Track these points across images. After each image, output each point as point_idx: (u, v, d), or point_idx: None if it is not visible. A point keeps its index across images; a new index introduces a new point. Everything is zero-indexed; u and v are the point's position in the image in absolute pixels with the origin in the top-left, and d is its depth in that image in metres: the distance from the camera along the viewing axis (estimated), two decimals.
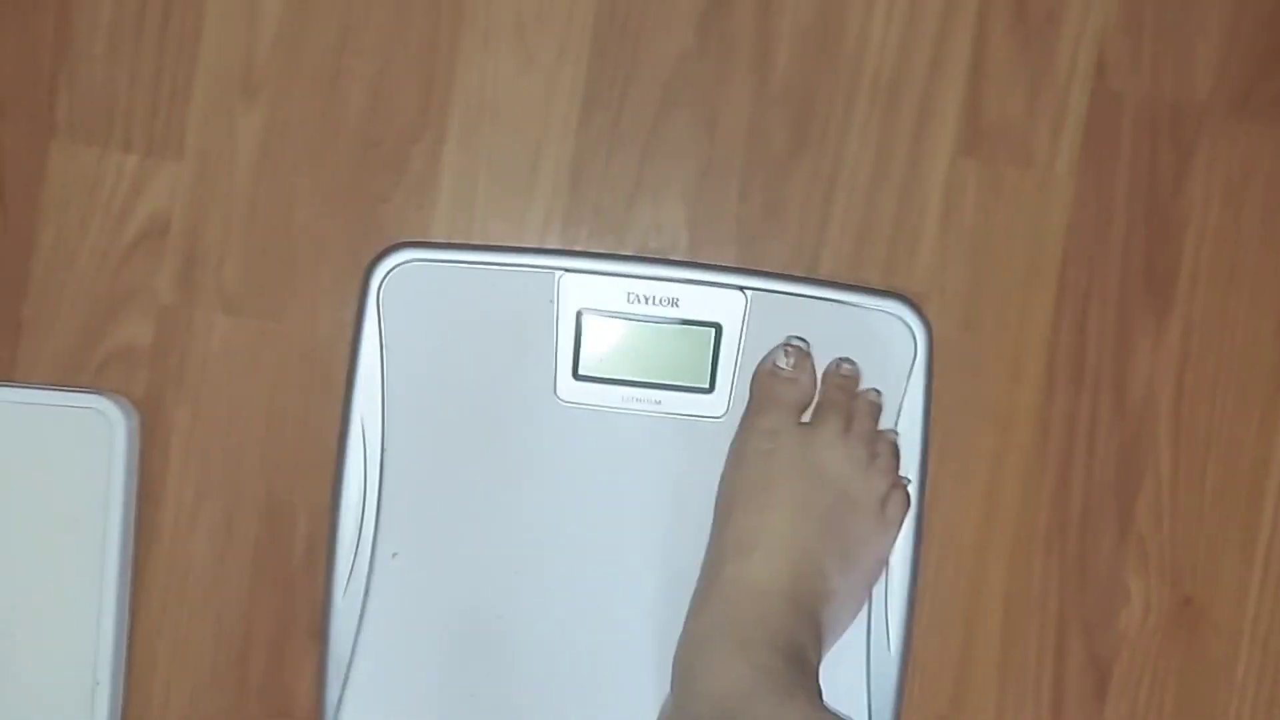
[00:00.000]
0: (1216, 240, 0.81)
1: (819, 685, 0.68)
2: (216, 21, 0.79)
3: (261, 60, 0.79)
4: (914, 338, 0.77)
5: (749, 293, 0.76)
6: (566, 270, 0.76)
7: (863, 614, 0.76)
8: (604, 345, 0.76)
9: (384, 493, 0.76)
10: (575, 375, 0.76)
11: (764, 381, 0.75)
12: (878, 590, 0.76)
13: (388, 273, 0.76)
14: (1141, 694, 0.81)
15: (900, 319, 0.77)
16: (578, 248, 0.80)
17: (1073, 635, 0.81)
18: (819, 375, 0.76)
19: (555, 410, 0.76)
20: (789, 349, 0.75)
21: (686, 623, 0.72)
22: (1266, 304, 0.81)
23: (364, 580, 0.76)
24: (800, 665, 0.67)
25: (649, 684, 0.74)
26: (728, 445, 0.76)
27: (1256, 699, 0.81)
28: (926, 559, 0.79)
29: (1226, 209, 0.81)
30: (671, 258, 0.80)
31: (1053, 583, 0.81)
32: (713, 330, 0.76)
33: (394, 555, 0.76)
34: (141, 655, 0.79)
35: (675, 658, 0.72)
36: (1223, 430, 0.81)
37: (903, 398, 0.77)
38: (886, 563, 0.75)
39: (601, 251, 0.80)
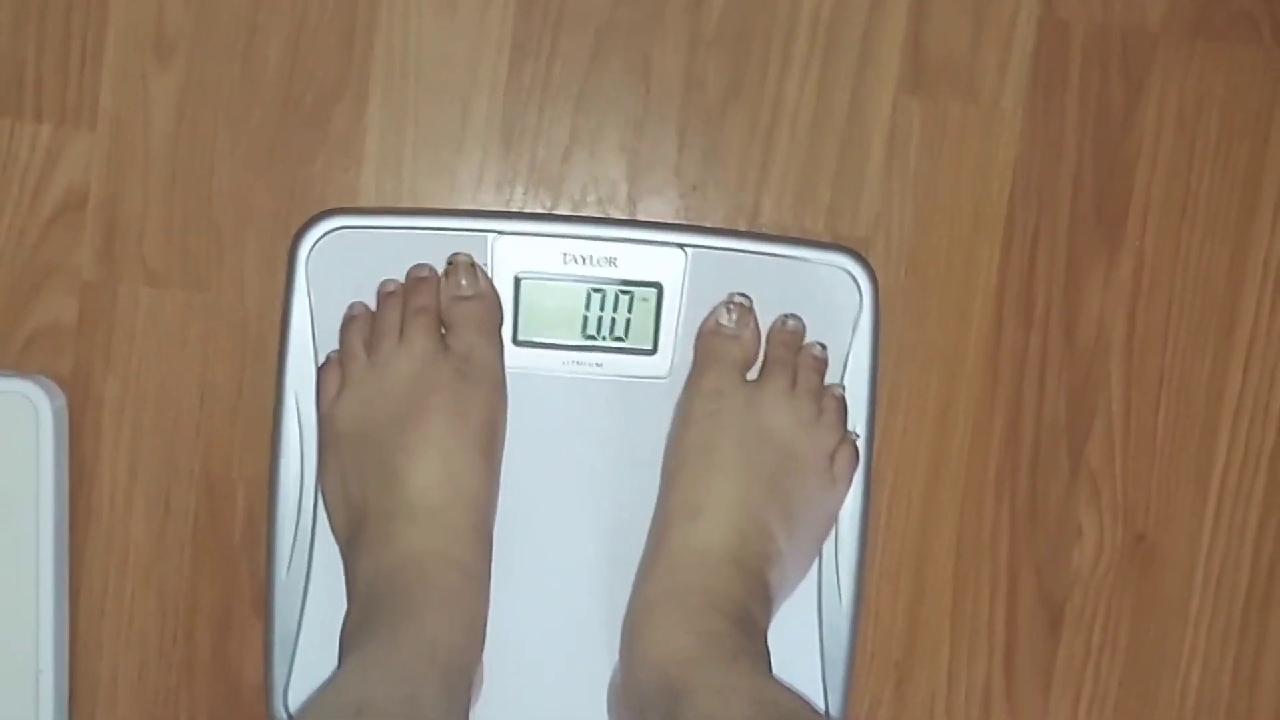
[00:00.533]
0: (1169, 172, 0.80)
1: (767, 648, 0.68)
2: None
3: (174, 19, 0.76)
4: (859, 289, 0.75)
5: (689, 250, 0.74)
6: (500, 233, 0.74)
7: (813, 568, 0.75)
8: (542, 309, 0.74)
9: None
10: (515, 341, 0.74)
11: (707, 340, 0.74)
12: (828, 544, 0.75)
13: (315, 241, 0.73)
14: (1095, 632, 0.81)
15: (845, 270, 0.75)
16: (513, 206, 0.78)
17: (1025, 576, 0.81)
18: (763, 331, 0.74)
19: None
20: (731, 306, 0.73)
21: (634, 588, 0.71)
22: (1220, 235, 0.80)
23: (306, 554, 0.74)
24: (746, 629, 0.67)
25: (600, 650, 0.74)
26: (672, 406, 0.74)
27: (1210, 634, 0.82)
28: (876, 508, 0.78)
29: (1179, 139, 0.79)
30: (609, 215, 0.78)
31: (1004, 525, 0.81)
32: (654, 290, 0.74)
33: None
34: (86, 638, 0.78)
35: (623, 624, 0.71)
36: (1176, 366, 0.80)
37: (849, 350, 0.75)
38: (835, 519, 0.75)
39: (536, 211, 0.77)
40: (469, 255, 0.73)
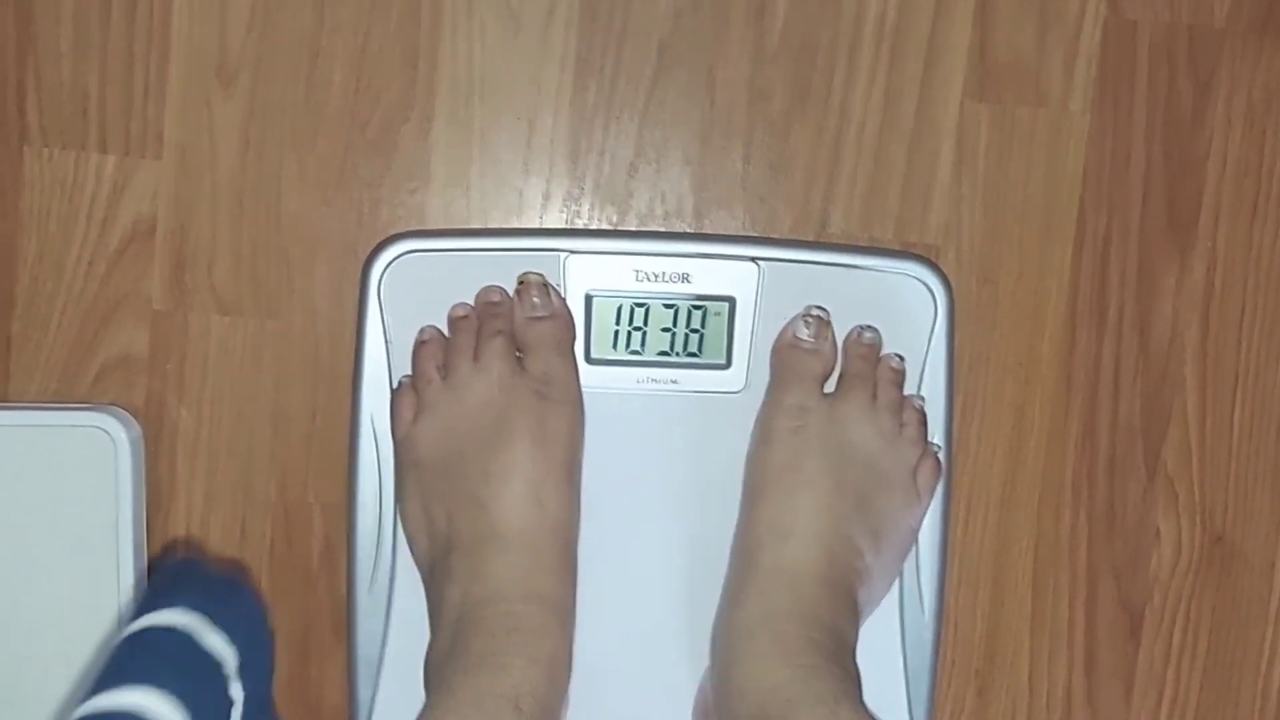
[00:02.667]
0: (1239, 170, 0.79)
1: (857, 669, 0.67)
2: (186, 6, 0.75)
3: (236, 45, 0.76)
4: (934, 298, 0.74)
5: (762, 263, 0.74)
6: (571, 252, 0.73)
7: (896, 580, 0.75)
8: (615, 327, 0.74)
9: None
10: (588, 360, 0.74)
11: (785, 355, 0.73)
12: (909, 559, 0.75)
13: (387, 265, 0.73)
14: (1175, 634, 0.81)
15: (919, 280, 0.74)
16: (580, 223, 0.77)
17: (1104, 581, 0.80)
18: (839, 343, 0.74)
19: None
20: (808, 319, 0.73)
21: (724, 611, 0.71)
22: None
23: (388, 575, 0.74)
24: (840, 657, 0.66)
25: (683, 668, 0.74)
26: (748, 420, 0.74)
27: None
28: (954, 516, 0.78)
29: (1249, 136, 0.79)
30: (678, 229, 0.77)
31: (1081, 531, 0.80)
32: (726, 304, 0.74)
33: None
34: None
35: (714, 647, 0.71)
36: (1251, 365, 0.80)
37: (925, 360, 0.75)
38: (917, 534, 0.74)
39: (605, 229, 0.77)
40: (541, 275, 0.73)
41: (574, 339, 0.73)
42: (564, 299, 0.73)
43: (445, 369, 0.72)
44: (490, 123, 0.77)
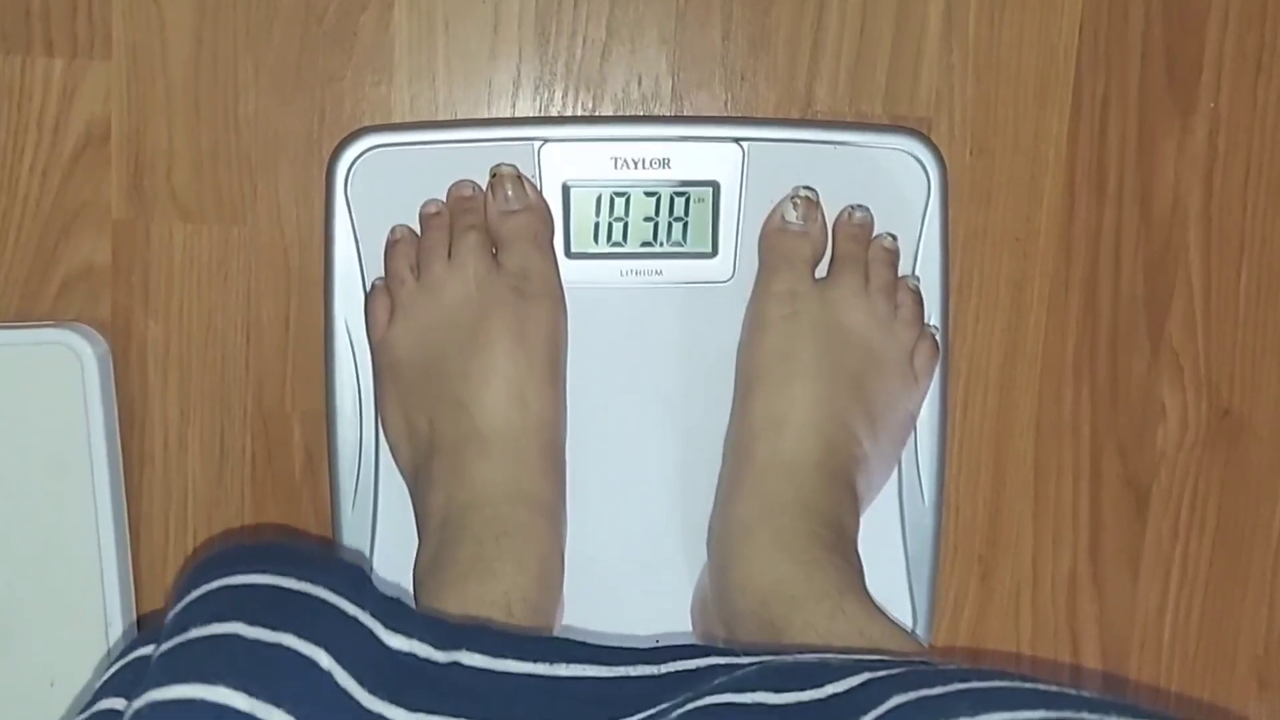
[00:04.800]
0: (1241, 25, 0.75)
1: (859, 560, 0.65)
2: None
3: None
4: (926, 173, 0.71)
5: (745, 144, 0.70)
6: (546, 140, 0.70)
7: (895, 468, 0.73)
8: (595, 217, 0.71)
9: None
10: (568, 253, 0.71)
11: (773, 239, 0.70)
12: (907, 447, 0.72)
13: (352, 162, 0.70)
14: (1183, 511, 0.79)
15: (910, 154, 0.71)
16: (553, 111, 0.74)
17: (1108, 458, 0.78)
18: (829, 224, 0.71)
19: None
20: (796, 200, 0.70)
21: (720, 507, 0.69)
22: None
23: (371, 485, 0.72)
24: (842, 549, 0.64)
25: (679, 566, 0.72)
26: (737, 309, 0.71)
27: None
28: (952, 399, 0.75)
29: None
30: (656, 112, 0.74)
31: (1084, 408, 0.78)
32: (710, 189, 0.71)
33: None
34: (150, 587, 0.76)
35: (710, 543, 0.69)
36: (1256, 231, 0.77)
37: (919, 239, 0.72)
38: (915, 419, 0.72)
39: (580, 115, 0.73)
40: (514, 166, 0.70)
41: (552, 231, 0.70)
42: (539, 190, 0.70)
43: (419, 268, 0.69)
44: (454, 8, 0.73)
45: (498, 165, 0.69)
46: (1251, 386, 0.78)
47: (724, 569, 0.66)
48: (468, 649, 0.51)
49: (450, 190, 0.70)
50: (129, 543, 0.74)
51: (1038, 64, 0.75)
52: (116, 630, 0.72)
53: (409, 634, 0.51)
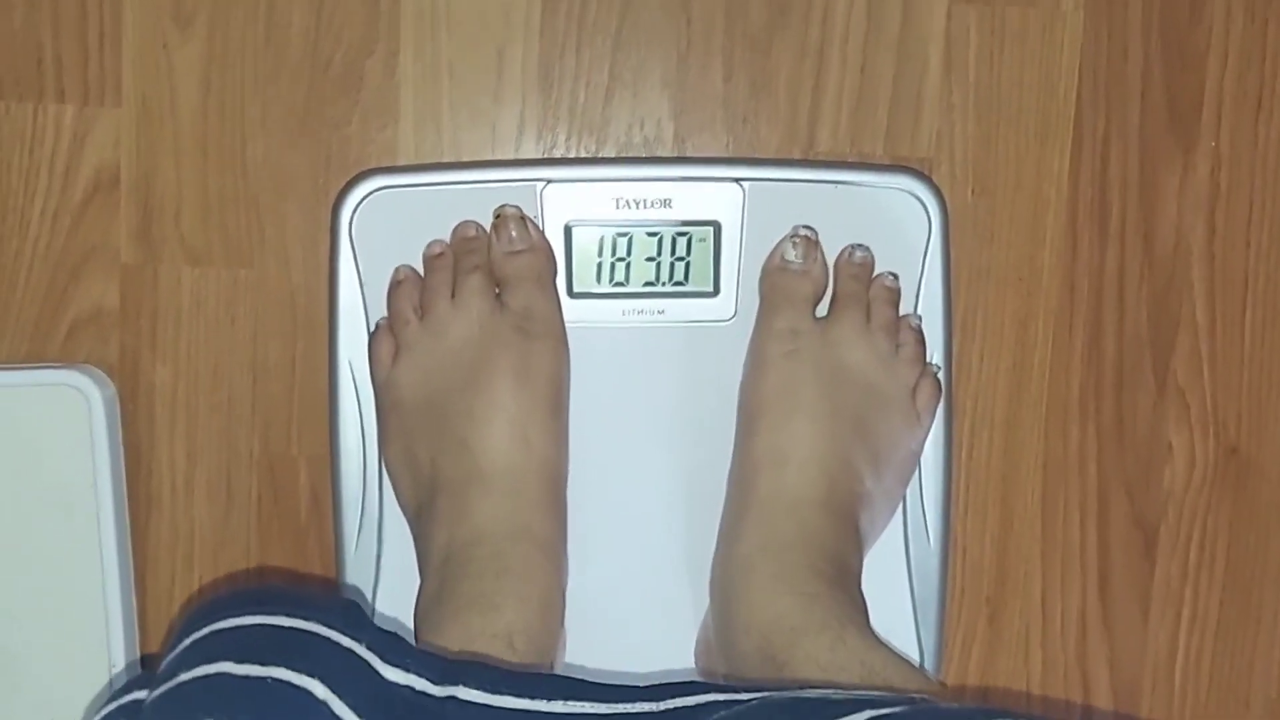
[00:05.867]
0: (1241, 64, 0.75)
1: (863, 597, 0.65)
2: None
3: None
4: (927, 212, 0.71)
5: (746, 184, 0.71)
6: (548, 181, 0.71)
7: (899, 509, 0.73)
8: (597, 257, 0.71)
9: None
10: (570, 293, 0.71)
11: (774, 278, 0.71)
12: (912, 487, 0.72)
13: (357, 204, 0.71)
14: (1192, 551, 0.78)
15: (911, 194, 0.71)
16: (557, 153, 0.74)
17: (1115, 498, 0.78)
18: (829, 264, 0.71)
19: None
20: (796, 240, 0.70)
21: (723, 545, 0.68)
22: None
23: (375, 527, 0.72)
24: (845, 585, 0.64)
25: (683, 605, 0.71)
26: (739, 348, 0.71)
27: None
28: (957, 438, 0.75)
29: (1250, 29, 0.75)
30: (659, 155, 0.74)
31: (1090, 447, 0.77)
32: (711, 228, 0.71)
33: None
34: (155, 629, 0.76)
35: (713, 582, 0.69)
36: (1261, 268, 0.77)
37: (921, 278, 0.72)
38: (919, 458, 0.72)
39: (583, 156, 0.74)
40: (518, 207, 0.70)
41: (555, 271, 0.71)
42: (542, 231, 0.70)
43: (422, 309, 0.69)
44: (458, 54, 0.74)
45: (502, 206, 0.70)
46: (1258, 424, 0.78)
47: (726, 608, 0.66)
48: (465, 684, 0.51)
49: (454, 231, 0.71)
50: (134, 584, 0.74)
51: (1038, 103, 0.75)
52: (120, 671, 0.72)
53: (406, 668, 0.51)
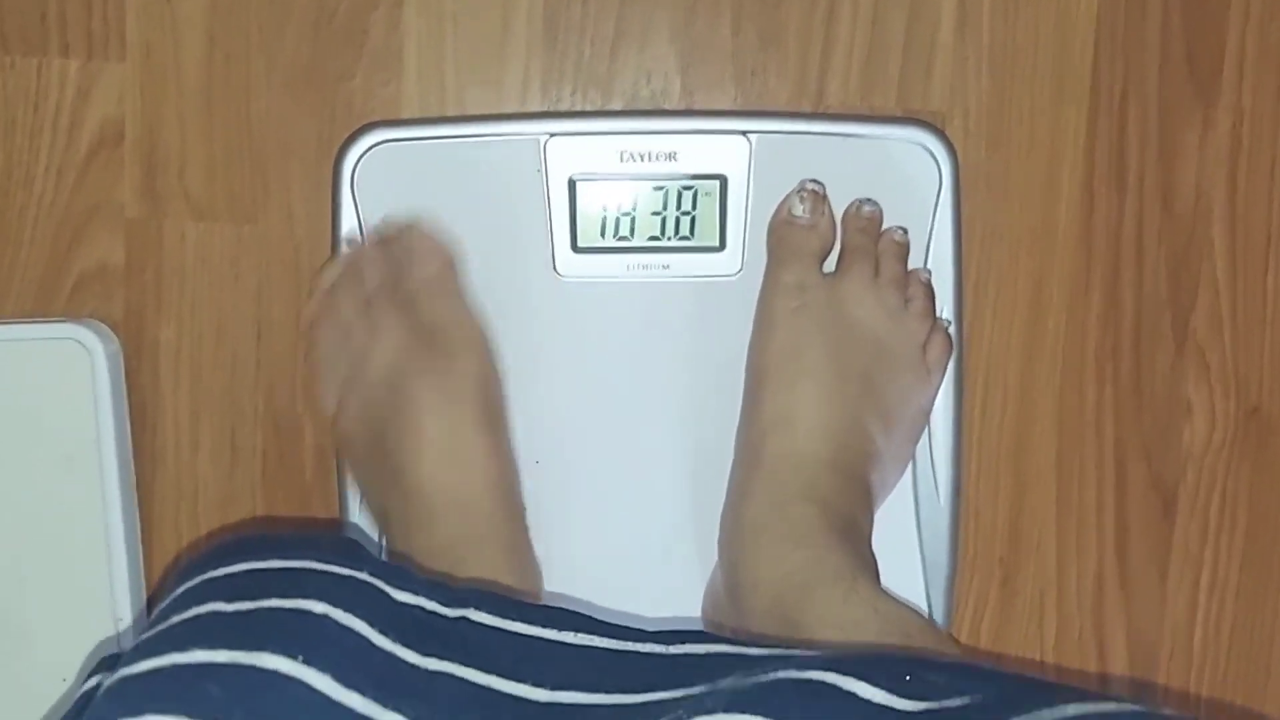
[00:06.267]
0: (1265, 14, 0.73)
1: (874, 556, 0.64)
2: None
3: None
4: (938, 166, 0.70)
5: (752, 137, 0.70)
6: (552, 135, 0.70)
7: (909, 469, 0.72)
8: (602, 212, 0.70)
9: None
10: (574, 248, 0.70)
11: (781, 232, 0.69)
12: (921, 442, 0.71)
13: (360, 157, 0.70)
14: (1212, 513, 0.77)
15: (921, 146, 0.70)
16: (562, 107, 0.73)
17: (1133, 460, 0.76)
18: (837, 219, 0.70)
19: (557, 288, 0.71)
20: (804, 194, 0.69)
21: (732, 505, 0.68)
22: None
23: None
24: (855, 541, 0.63)
25: (690, 566, 0.71)
26: (746, 304, 0.70)
27: None
28: (970, 399, 0.74)
29: None
30: (664, 108, 0.73)
31: (1107, 408, 0.76)
32: (717, 182, 0.70)
33: None
34: (162, 587, 0.76)
35: (722, 541, 0.68)
36: None
37: (931, 232, 0.70)
38: (929, 415, 0.70)
39: (587, 110, 0.73)
40: (399, 222, 0.69)
41: (456, 274, 0.69)
42: (426, 232, 0.69)
43: (341, 347, 0.68)
44: (463, 7, 0.73)
45: (384, 225, 0.69)
46: (1279, 385, 0.76)
47: (736, 567, 0.65)
48: (476, 608, 0.50)
49: (341, 260, 0.70)
50: (140, 541, 0.74)
51: (1054, 58, 0.73)
52: (127, 625, 0.72)
53: (415, 591, 0.50)
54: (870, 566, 0.63)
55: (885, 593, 0.60)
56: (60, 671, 0.71)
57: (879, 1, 0.73)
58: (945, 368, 0.70)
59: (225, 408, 0.75)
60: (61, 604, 0.72)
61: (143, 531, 0.75)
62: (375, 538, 0.71)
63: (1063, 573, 0.77)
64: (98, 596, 0.72)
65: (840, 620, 0.58)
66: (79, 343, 0.71)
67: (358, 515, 0.72)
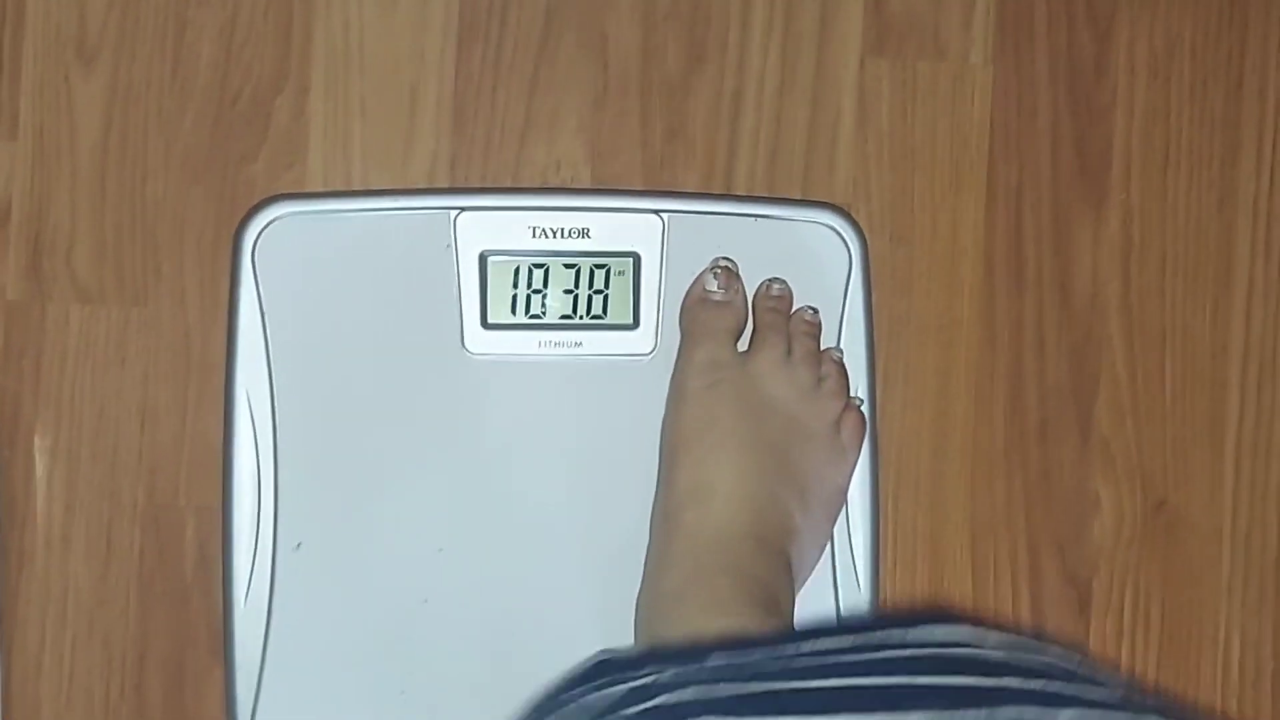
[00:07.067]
0: (1146, 119, 0.77)
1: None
2: None
3: (96, 19, 0.71)
4: (847, 247, 0.71)
5: (665, 215, 0.70)
6: (463, 209, 0.69)
7: (827, 555, 0.70)
8: (513, 290, 0.69)
9: (280, 477, 0.67)
10: (484, 324, 0.69)
11: (694, 310, 0.69)
12: (840, 529, 0.69)
13: (261, 231, 0.68)
14: (1126, 609, 0.76)
15: (830, 228, 0.71)
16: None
17: (1046, 554, 0.75)
18: (749, 298, 0.70)
19: (465, 365, 0.68)
20: (717, 270, 0.69)
21: (650, 578, 0.65)
22: (1205, 181, 0.77)
23: (267, 580, 0.67)
24: (774, 609, 0.61)
25: (602, 645, 0.67)
26: (659, 384, 0.69)
27: (1245, 599, 0.76)
28: (884, 491, 0.73)
29: (1153, 85, 0.77)
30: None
31: (1018, 501, 0.75)
32: (630, 260, 0.69)
33: (298, 546, 0.67)
34: (21, 699, 0.69)
35: (639, 618, 0.65)
36: (1177, 320, 0.77)
37: (842, 313, 0.71)
38: (846, 493, 0.69)
39: (498, 187, 0.73)
40: None
41: None
42: None
43: None
44: (371, 93, 0.73)
45: None
46: (1184, 477, 0.76)
47: (654, 640, 0.61)
48: None
49: None
50: (1, 644, 0.68)
51: (951, 154, 0.76)
52: None
53: None
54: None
55: None
56: None
57: (782, 98, 0.75)
58: (860, 446, 0.69)
59: (102, 503, 0.71)
60: None
61: (4, 637, 0.69)
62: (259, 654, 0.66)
63: None
64: None
65: None
66: None
67: (243, 606, 0.67)
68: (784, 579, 0.64)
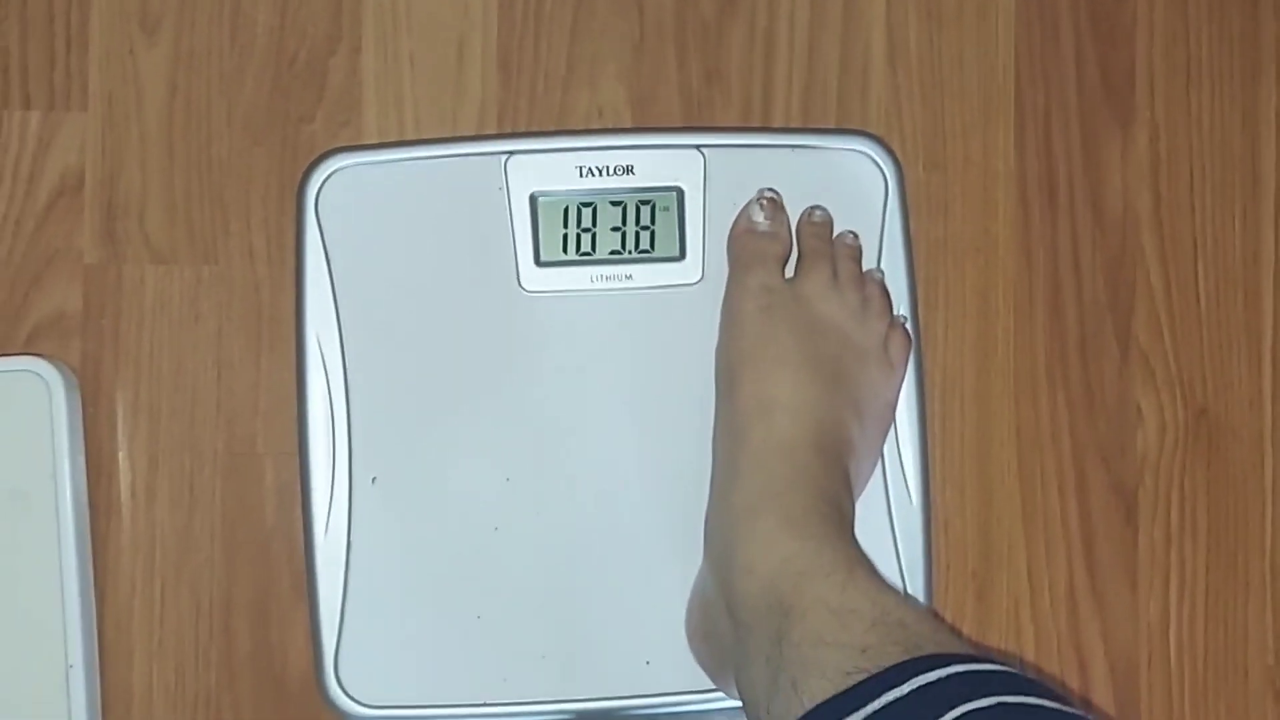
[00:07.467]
0: (1167, 38, 0.79)
1: (859, 546, 0.64)
2: None
3: None
4: (883, 173, 0.73)
5: (706, 151, 0.72)
6: (512, 153, 0.72)
7: (878, 471, 0.72)
8: (563, 230, 0.72)
9: (352, 416, 0.70)
10: (538, 262, 0.72)
11: (742, 240, 0.71)
12: (890, 445, 0.72)
13: (322, 183, 0.71)
14: (1173, 515, 0.78)
15: (866, 155, 0.73)
16: None
17: (1092, 466, 0.78)
18: (792, 227, 0.72)
19: (522, 302, 0.71)
20: (763, 202, 0.71)
21: (720, 493, 0.67)
22: (1228, 96, 0.79)
23: (345, 514, 0.70)
24: (845, 530, 0.63)
25: (670, 569, 0.69)
26: (707, 311, 0.71)
27: None
28: (931, 410, 0.75)
29: (1172, 5, 0.79)
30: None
31: (1062, 415, 0.78)
32: (674, 194, 0.72)
33: (373, 480, 0.70)
34: (115, 645, 0.73)
35: (709, 534, 0.67)
36: (1208, 232, 0.79)
37: (881, 237, 0.73)
38: (894, 409, 0.72)
39: (545, 130, 0.76)
40: None
41: None
42: None
43: None
44: (419, 48, 0.76)
45: None
46: (1223, 386, 0.78)
47: (728, 553, 0.64)
48: None
49: None
50: (93, 586, 0.71)
51: (979, 80, 0.78)
52: (78, 674, 0.69)
53: None
54: (864, 558, 0.63)
55: (883, 582, 0.59)
56: (6, 713, 0.67)
57: (813, 34, 0.77)
58: (906, 362, 0.72)
59: (184, 453, 0.74)
60: (11, 645, 0.68)
61: (96, 586, 0.72)
62: (339, 596, 0.70)
63: (1035, 584, 0.77)
64: (49, 639, 0.68)
65: (837, 606, 0.57)
66: (38, 375, 0.69)
67: (324, 538, 0.70)
68: (846, 490, 0.66)
